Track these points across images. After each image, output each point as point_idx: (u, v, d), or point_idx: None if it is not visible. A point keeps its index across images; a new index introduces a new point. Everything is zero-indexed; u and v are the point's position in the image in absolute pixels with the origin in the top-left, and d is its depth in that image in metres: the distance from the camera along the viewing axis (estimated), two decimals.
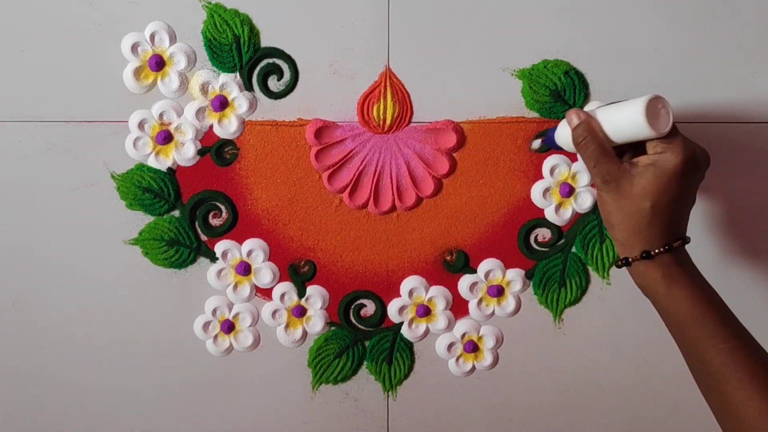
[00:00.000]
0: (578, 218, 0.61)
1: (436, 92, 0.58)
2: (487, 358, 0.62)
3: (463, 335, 0.62)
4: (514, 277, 0.61)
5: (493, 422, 0.64)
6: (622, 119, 0.48)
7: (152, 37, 0.57)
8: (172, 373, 0.62)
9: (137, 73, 0.57)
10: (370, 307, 0.62)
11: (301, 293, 0.61)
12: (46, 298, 0.60)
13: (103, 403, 0.62)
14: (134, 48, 0.57)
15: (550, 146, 0.56)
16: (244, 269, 0.60)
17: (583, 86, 0.59)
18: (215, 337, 0.61)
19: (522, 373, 0.63)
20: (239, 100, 0.58)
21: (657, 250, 0.47)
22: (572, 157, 0.59)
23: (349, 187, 0.59)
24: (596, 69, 0.59)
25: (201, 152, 0.59)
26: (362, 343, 0.62)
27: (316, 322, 0.61)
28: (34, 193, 0.59)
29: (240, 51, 0.57)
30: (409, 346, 0.62)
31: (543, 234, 0.61)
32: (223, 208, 0.60)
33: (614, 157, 0.49)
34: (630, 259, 0.48)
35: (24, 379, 0.62)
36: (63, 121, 0.58)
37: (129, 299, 0.60)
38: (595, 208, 0.60)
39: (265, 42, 0.57)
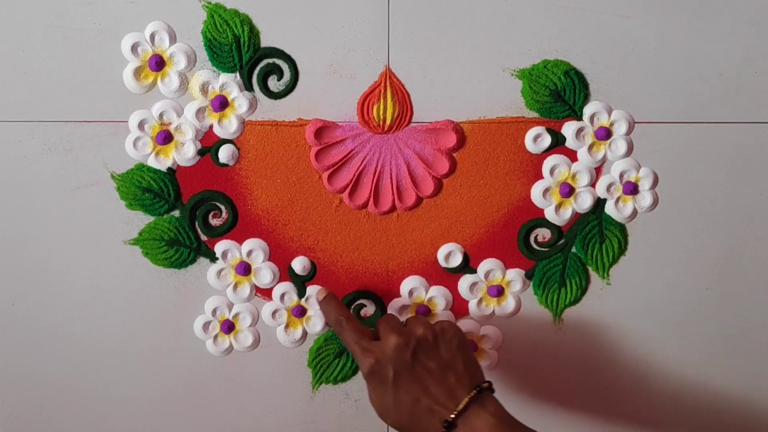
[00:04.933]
0: (578, 218, 0.61)
1: (436, 92, 0.58)
2: (487, 358, 0.62)
3: None
4: (514, 277, 0.61)
5: None
6: None
7: (152, 37, 0.57)
8: (172, 373, 0.62)
9: (137, 73, 0.57)
10: (370, 307, 0.62)
11: (301, 293, 0.61)
12: (45, 299, 0.60)
13: (102, 403, 0.62)
14: (134, 48, 0.57)
15: None
16: (244, 269, 0.60)
17: (583, 86, 0.59)
18: (215, 337, 0.61)
19: (522, 372, 0.63)
20: (239, 100, 0.58)
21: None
22: (572, 157, 0.60)
23: (349, 187, 0.59)
24: (596, 69, 0.59)
25: (201, 152, 0.59)
26: None
27: (316, 322, 0.61)
28: (34, 193, 0.59)
29: (240, 51, 0.57)
30: None
31: (543, 234, 0.61)
32: (223, 208, 0.60)
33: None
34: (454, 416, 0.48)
35: (24, 380, 0.62)
36: (63, 121, 0.58)
37: (129, 299, 0.60)
38: (595, 207, 0.60)
39: (265, 42, 0.57)
